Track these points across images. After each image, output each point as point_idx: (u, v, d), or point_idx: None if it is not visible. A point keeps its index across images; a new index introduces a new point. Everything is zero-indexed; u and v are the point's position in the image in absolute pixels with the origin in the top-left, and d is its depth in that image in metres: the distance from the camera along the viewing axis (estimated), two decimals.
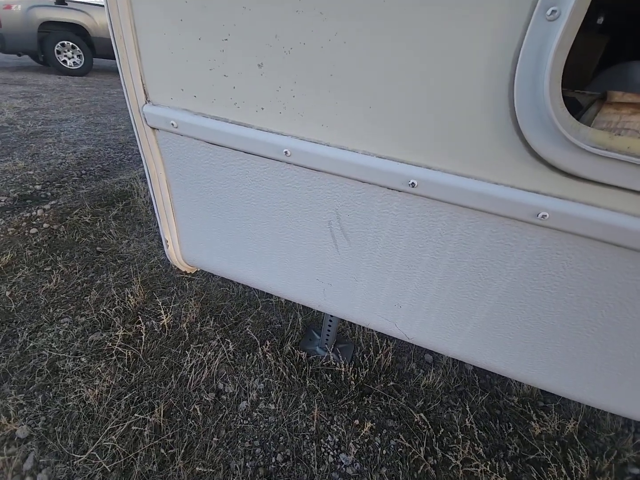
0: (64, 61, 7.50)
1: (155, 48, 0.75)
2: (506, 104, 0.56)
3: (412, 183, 0.67)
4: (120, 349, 1.71)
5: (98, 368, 1.63)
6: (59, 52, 7.35)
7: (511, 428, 1.57)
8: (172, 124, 0.83)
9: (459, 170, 0.64)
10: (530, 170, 0.58)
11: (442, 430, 1.53)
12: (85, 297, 2.03)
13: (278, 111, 0.73)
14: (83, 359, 1.69)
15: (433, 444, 1.48)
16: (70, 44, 7.35)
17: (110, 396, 1.53)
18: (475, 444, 1.48)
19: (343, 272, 0.89)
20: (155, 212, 1.11)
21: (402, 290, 0.84)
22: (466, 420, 1.56)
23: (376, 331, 1.98)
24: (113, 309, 1.94)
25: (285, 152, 0.75)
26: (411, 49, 0.58)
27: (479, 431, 1.53)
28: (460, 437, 1.50)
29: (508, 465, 1.42)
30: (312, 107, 0.69)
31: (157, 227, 2.92)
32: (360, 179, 0.72)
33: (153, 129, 0.88)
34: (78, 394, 1.54)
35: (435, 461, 1.42)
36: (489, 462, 1.41)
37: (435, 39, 0.56)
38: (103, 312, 1.92)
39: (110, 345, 1.74)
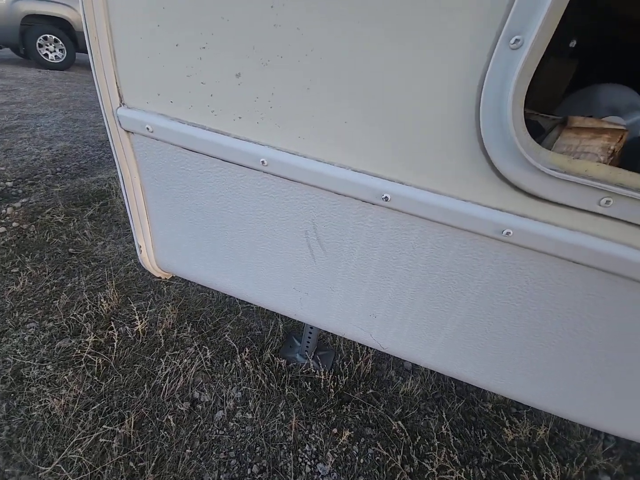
0: (46, 55, 7.27)
1: (131, 51, 0.73)
2: (473, 126, 0.58)
3: (386, 197, 0.68)
4: (90, 357, 1.63)
5: (65, 377, 1.55)
6: (40, 46, 7.11)
7: (485, 434, 1.60)
8: (148, 129, 0.81)
9: (430, 186, 0.66)
10: (495, 189, 0.61)
11: (419, 437, 1.54)
12: (54, 301, 1.93)
13: (255, 121, 0.73)
14: (49, 367, 1.61)
15: (410, 452, 1.48)
16: (53, 37, 7.14)
17: (77, 406, 1.46)
18: (451, 451, 1.50)
19: (319, 282, 0.89)
20: (129, 216, 1.07)
21: (377, 300, 0.85)
22: (442, 427, 1.58)
23: None
24: (84, 314, 1.86)
25: (262, 161, 0.75)
26: (385, 71, 0.60)
27: (455, 438, 1.56)
28: (436, 444, 1.52)
29: (482, 472, 1.45)
30: (289, 119, 0.70)
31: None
32: (336, 191, 0.73)
33: (127, 132, 0.86)
34: (43, 404, 1.45)
35: (411, 469, 1.43)
36: (464, 469, 1.43)
37: (406, 63, 0.58)
38: (73, 317, 1.84)
39: (79, 352, 1.66)
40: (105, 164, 3.70)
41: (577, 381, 0.77)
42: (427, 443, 1.53)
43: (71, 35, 7.29)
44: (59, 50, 7.37)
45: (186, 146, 0.81)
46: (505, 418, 1.65)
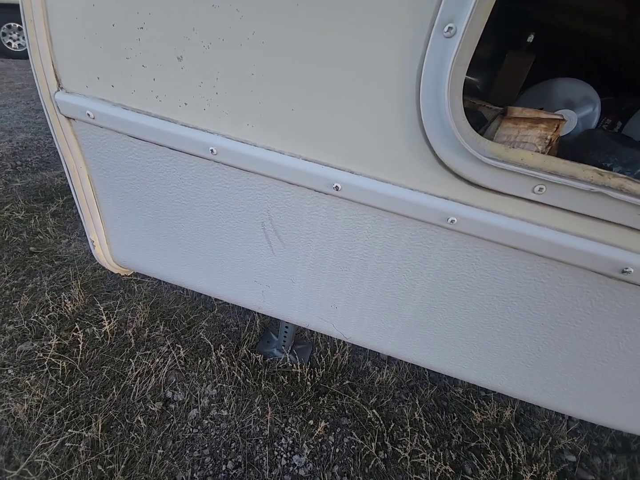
0: (9, 43, 6.82)
1: (67, 32, 0.69)
2: (415, 115, 0.59)
3: (337, 186, 0.68)
4: (53, 360, 1.56)
5: (27, 381, 1.47)
6: (4, 34, 6.67)
7: (455, 418, 1.66)
8: (89, 114, 0.76)
9: (378, 175, 0.66)
10: (439, 178, 0.62)
11: (393, 424, 1.58)
12: (14, 303, 1.82)
13: (202, 107, 0.70)
14: (10, 371, 1.52)
15: (384, 439, 1.52)
16: (17, 25, 6.71)
17: (41, 411, 1.39)
18: (423, 436, 1.55)
19: (280, 274, 0.89)
20: (78, 209, 1.02)
21: (336, 291, 0.86)
22: (415, 413, 1.63)
23: None
24: (46, 316, 1.77)
25: (212, 150, 0.73)
26: (326, 58, 0.60)
27: (427, 423, 1.61)
28: (409, 430, 1.56)
29: (452, 453, 1.51)
30: (236, 106, 0.68)
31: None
32: (288, 180, 0.72)
33: (68, 118, 0.81)
34: (6, 409, 1.38)
35: (385, 455, 1.47)
36: (435, 452, 1.49)
37: (346, 51, 0.58)
38: (34, 320, 1.74)
39: (41, 355, 1.58)
40: None
41: (527, 361, 0.81)
42: (400, 429, 1.57)
43: None
44: (23, 38, 6.95)
45: (131, 134, 0.77)
46: (474, 401, 1.73)
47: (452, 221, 0.64)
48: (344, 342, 1.95)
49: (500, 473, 1.46)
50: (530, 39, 1.15)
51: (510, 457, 1.52)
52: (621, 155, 0.76)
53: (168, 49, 0.65)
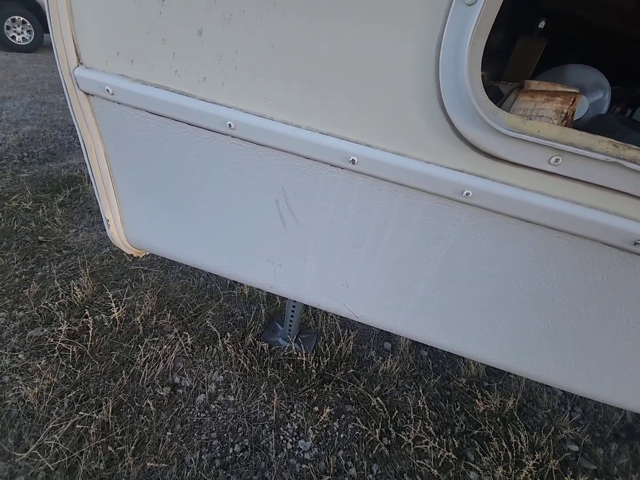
0: (13, 37, 6.84)
1: (88, 6, 0.69)
2: (433, 86, 0.59)
3: (353, 160, 0.69)
4: (63, 345, 1.59)
5: (38, 365, 1.50)
6: (8, 28, 6.68)
7: (458, 407, 1.68)
8: (108, 90, 0.77)
9: (395, 149, 0.67)
10: (456, 150, 0.63)
11: (397, 412, 1.60)
12: (24, 290, 1.85)
13: (221, 82, 0.70)
14: (21, 356, 1.55)
15: (388, 426, 1.54)
16: (21, 19, 6.73)
17: (52, 394, 1.42)
18: (426, 423, 1.57)
19: (292, 252, 0.90)
20: (94, 187, 1.02)
21: (348, 269, 0.87)
22: (419, 401, 1.65)
23: (338, 322, 2.01)
24: (56, 303, 1.80)
25: (229, 124, 0.73)
26: (346, 30, 0.60)
27: (430, 411, 1.63)
28: (412, 417, 1.58)
29: (455, 440, 1.53)
30: (254, 80, 0.68)
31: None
32: (304, 155, 0.72)
33: (87, 94, 0.81)
34: (16, 393, 1.41)
35: (389, 441, 1.49)
36: (438, 439, 1.51)
37: (365, 21, 0.58)
38: (44, 306, 1.77)
39: (52, 341, 1.61)
40: (76, 149, 3.52)
41: (532, 337, 0.82)
42: (404, 417, 1.59)
43: (40, 16, 6.89)
44: (27, 32, 7.00)
45: (150, 109, 0.77)
46: (477, 391, 1.74)
47: (467, 194, 0.65)
48: (348, 331, 1.97)
49: (502, 460, 1.47)
50: (542, 25, 1.15)
51: (513, 445, 1.53)
52: (631, 140, 0.76)
53: (188, 22, 0.66)
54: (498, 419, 1.65)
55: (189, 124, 0.77)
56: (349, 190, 0.74)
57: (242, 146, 0.77)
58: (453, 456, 1.45)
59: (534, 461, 1.45)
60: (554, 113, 0.62)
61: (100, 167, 0.95)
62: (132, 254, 1.22)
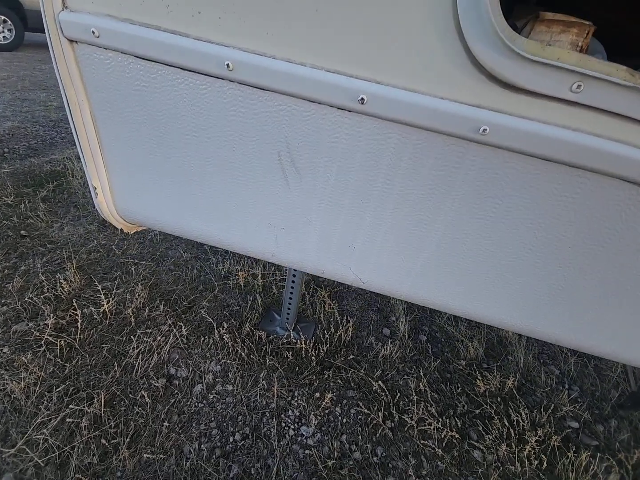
0: None
1: None
2: (450, 10, 0.56)
3: (362, 98, 0.65)
4: (50, 339, 1.51)
5: (24, 359, 1.42)
6: None
7: (459, 388, 1.68)
8: (93, 33, 0.71)
9: (407, 84, 0.63)
10: (472, 82, 0.61)
11: (399, 395, 1.58)
12: (7, 285, 1.76)
13: (217, 16, 0.65)
14: (5, 350, 1.47)
15: (390, 409, 1.52)
16: (2, 17, 6.53)
17: (40, 389, 1.35)
18: (429, 405, 1.56)
19: (295, 214, 0.85)
20: (79, 151, 0.94)
21: (355, 228, 0.83)
22: (420, 384, 1.64)
23: (337, 309, 1.99)
24: (42, 297, 1.72)
25: (227, 64, 0.68)
26: None
27: (432, 393, 1.62)
28: (415, 399, 1.57)
29: (457, 421, 1.52)
30: (254, 11, 0.63)
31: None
32: (309, 97, 0.68)
33: (71, 42, 0.75)
34: (1, 387, 1.34)
35: (392, 424, 1.47)
36: (441, 420, 1.50)
37: None
38: (29, 300, 1.69)
39: (38, 335, 1.53)
40: (59, 144, 3.40)
41: (546, 293, 0.79)
42: (406, 400, 1.58)
43: (21, 15, 6.70)
44: (7, 30, 6.79)
45: (139, 53, 0.71)
46: (477, 372, 1.74)
47: (484, 130, 0.62)
48: (347, 318, 1.94)
49: (505, 438, 1.47)
50: None
51: (515, 423, 1.53)
52: None
53: None
54: (499, 399, 1.65)
55: (183, 69, 0.71)
56: (357, 137, 0.70)
57: (241, 91, 0.71)
58: (456, 436, 1.44)
59: (536, 437, 1.45)
60: (569, 45, 0.61)
61: (86, 127, 0.88)
62: (122, 229, 1.14)
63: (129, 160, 0.91)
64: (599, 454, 1.47)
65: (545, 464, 1.38)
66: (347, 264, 0.88)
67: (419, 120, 0.65)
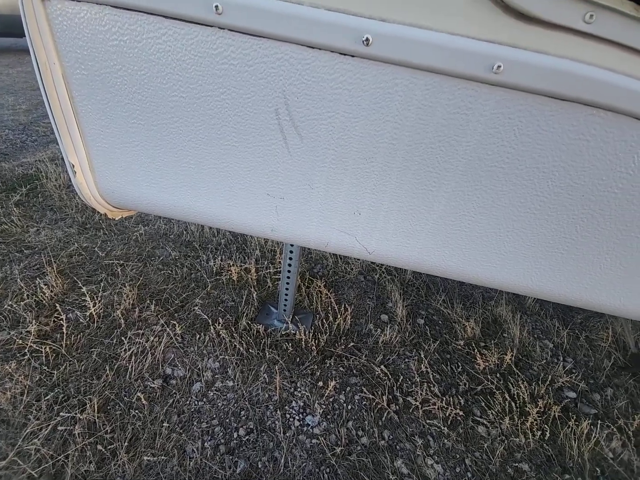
0: None
1: None
2: None
3: (366, 39, 0.61)
4: (34, 346, 1.43)
5: (8, 369, 1.33)
6: None
7: (460, 367, 1.69)
8: None
9: (414, 20, 0.60)
10: (485, 15, 0.59)
11: (402, 378, 1.58)
12: None
13: None
14: None
15: (394, 392, 1.52)
16: None
17: (27, 398, 1.27)
18: (431, 385, 1.56)
19: (296, 179, 0.80)
20: (52, 123, 0.84)
21: (360, 192, 0.79)
22: (422, 366, 1.64)
23: (334, 297, 1.96)
24: (22, 303, 1.62)
25: (216, 6, 0.62)
26: None
27: (434, 374, 1.62)
28: (417, 381, 1.57)
29: (460, 398, 1.53)
30: None
31: (75, 211, 2.49)
32: (308, 41, 0.63)
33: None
34: None
35: (397, 407, 1.46)
36: (444, 399, 1.50)
37: None
38: (9, 308, 1.59)
39: (20, 343, 1.44)
40: (30, 147, 3.23)
41: (557, 248, 0.78)
42: (409, 382, 1.58)
43: None
44: None
45: (115, 1, 0.64)
46: (475, 351, 1.76)
47: (498, 67, 0.59)
48: (344, 307, 1.93)
49: (507, 412, 1.49)
50: None
51: (515, 397, 1.56)
52: None
53: None
54: (498, 375, 1.68)
55: (166, 17, 0.65)
56: (361, 87, 0.66)
57: (232, 40, 0.66)
58: (461, 413, 1.45)
59: (537, 409, 1.48)
60: None
61: (59, 94, 0.79)
62: (106, 214, 1.04)
63: (110, 130, 0.83)
64: (599, 421, 1.51)
65: (547, 434, 1.40)
66: (352, 233, 0.84)
67: (428, 60, 0.62)
